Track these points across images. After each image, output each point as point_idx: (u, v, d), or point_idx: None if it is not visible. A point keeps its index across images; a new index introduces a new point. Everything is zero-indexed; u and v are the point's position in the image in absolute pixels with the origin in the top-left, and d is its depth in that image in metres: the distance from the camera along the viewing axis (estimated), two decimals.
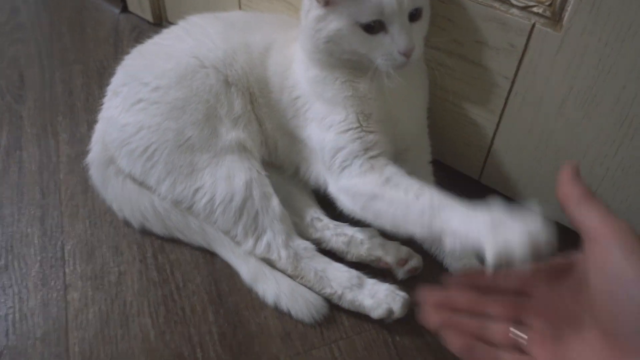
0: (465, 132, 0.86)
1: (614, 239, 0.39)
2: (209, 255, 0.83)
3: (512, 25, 0.71)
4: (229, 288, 0.78)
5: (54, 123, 1.07)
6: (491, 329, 0.48)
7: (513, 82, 0.76)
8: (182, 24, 0.91)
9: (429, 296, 0.51)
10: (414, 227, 0.64)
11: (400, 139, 0.79)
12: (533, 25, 0.70)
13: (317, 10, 0.69)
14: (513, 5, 0.71)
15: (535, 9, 0.69)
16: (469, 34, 0.77)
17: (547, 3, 0.68)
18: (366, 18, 0.66)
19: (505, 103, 0.78)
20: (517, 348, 0.46)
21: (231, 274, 0.80)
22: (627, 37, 0.62)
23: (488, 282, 0.51)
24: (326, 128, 0.75)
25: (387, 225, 0.69)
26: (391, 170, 0.72)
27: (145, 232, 0.85)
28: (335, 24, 0.68)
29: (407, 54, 0.67)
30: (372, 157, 0.73)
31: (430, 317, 0.50)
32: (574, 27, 0.66)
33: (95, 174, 0.88)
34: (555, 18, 0.68)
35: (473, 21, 0.75)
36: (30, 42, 1.31)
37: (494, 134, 0.83)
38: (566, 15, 0.66)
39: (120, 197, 0.85)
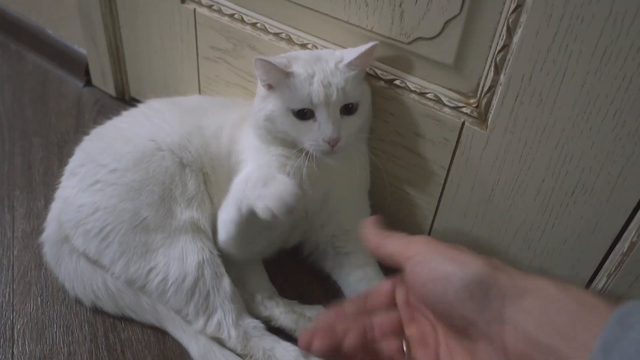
0: (409, 215, 0.92)
1: (419, 252, 0.45)
2: (160, 333, 0.84)
3: (446, 122, 0.79)
4: None
5: (11, 197, 1.08)
6: (381, 345, 0.50)
7: (448, 171, 0.83)
8: (142, 107, 0.96)
9: (316, 325, 0.51)
10: (237, 219, 0.76)
11: (335, 217, 0.85)
12: (463, 123, 0.77)
13: (262, 92, 0.78)
14: (445, 105, 0.78)
15: (464, 110, 0.77)
16: (409, 127, 0.84)
17: (474, 105, 0.76)
18: (296, 105, 0.74)
19: (443, 189, 0.85)
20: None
21: (181, 352, 0.81)
22: (542, 138, 0.70)
23: (365, 303, 0.53)
24: (242, 175, 0.80)
25: (238, 241, 0.81)
26: None
27: (97, 311, 0.86)
28: (271, 105, 0.77)
29: (331, 143, 0.74)
30: None
31: (317, 340, 0.48)
32: (498, 127, 0.74)
33: (49, 252, 0.89)
34: (481, 118, 0.76)
35: (412, 116, 0.82)
36: None
37: (434, 216, 0.89)
38: (490, 117, 0.74)
39: (73, 275, 0.86)
